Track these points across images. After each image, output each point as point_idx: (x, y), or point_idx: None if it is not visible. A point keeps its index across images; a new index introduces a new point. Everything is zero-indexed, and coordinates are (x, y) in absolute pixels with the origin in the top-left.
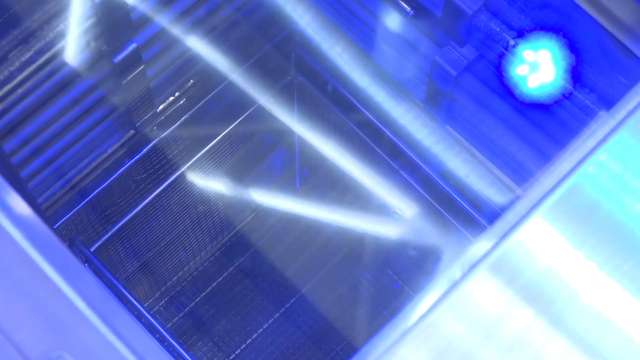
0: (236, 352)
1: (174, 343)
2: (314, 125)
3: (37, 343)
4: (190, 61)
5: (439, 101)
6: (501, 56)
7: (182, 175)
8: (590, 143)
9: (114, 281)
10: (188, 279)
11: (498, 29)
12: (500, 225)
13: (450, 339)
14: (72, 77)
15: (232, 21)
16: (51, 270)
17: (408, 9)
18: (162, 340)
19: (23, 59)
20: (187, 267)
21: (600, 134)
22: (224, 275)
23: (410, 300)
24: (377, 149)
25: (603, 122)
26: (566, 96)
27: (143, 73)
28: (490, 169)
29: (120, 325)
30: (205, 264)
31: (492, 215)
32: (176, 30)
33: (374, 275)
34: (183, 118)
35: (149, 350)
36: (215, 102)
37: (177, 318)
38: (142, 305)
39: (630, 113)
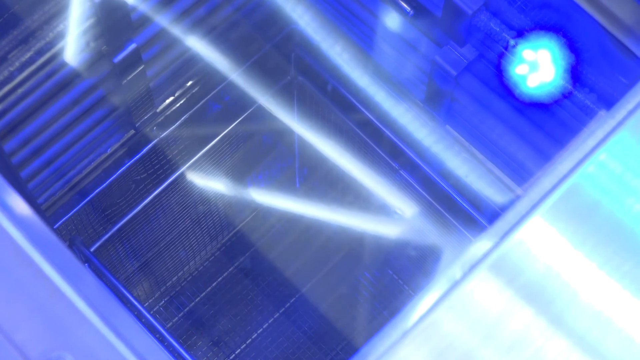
0: (236, 352)
1: (174, 343)
2: (314, 125)
3: (37, 343)
4: (190, 61)
5: (438, 101)
6: (501, 56)
7: (182, 175)
8: (591, 143)
9: (114, 281)
10: (188, 279)
11: (498, 29)
12: (500, 225)
13: (450, 339)
14: (72, 77)
15: (232, 21)
16: (51, 270)
17: (408, 8)
18: (162, 340)
19: (23, 59)
20: (187, 267)
21: (600, 134)
22: (224, 275)
23: (411, 300)
24: (377, 149)
25: (603, 122)
26: (566, 96)
27: (143, 73)
28: (490, 168)
29: (120, 325)
30: (205, 264)
31: (492, 215)
32: (176, 30)
33: (374, 275)
34: (183, 118)
35: (149, 350)
36: (215, 102)
37: (177, 318)
38: (142, 305)
39: (630, 113)
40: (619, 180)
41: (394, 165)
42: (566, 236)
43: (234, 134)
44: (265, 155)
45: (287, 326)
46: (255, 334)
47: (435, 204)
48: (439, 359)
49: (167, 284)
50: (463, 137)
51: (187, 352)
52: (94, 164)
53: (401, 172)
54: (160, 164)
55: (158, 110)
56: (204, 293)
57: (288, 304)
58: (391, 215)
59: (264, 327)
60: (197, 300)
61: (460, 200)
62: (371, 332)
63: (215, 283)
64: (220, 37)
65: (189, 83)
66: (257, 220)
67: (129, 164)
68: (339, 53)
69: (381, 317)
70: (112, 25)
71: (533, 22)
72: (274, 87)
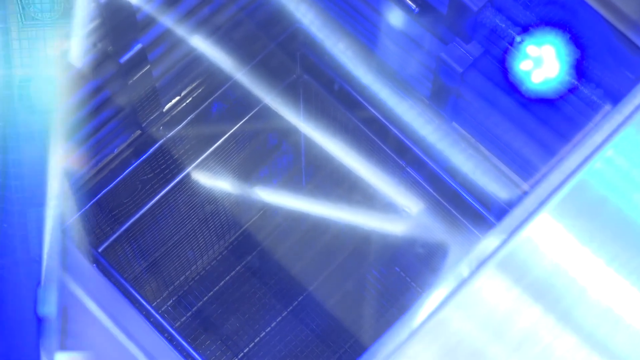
0: (244, 351)
1: (182, 342)
2: (320, 124)
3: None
4: (196, 61)
5: (444, 98)
6: (506, 52)
7: (189, 174)
8: (597, 139)
9: (122, 281)
10: (196, 278)
11: (503, 25)
12: (508, 222)
13: (459, 336)
14: (77, 78)
15: (236, 21)
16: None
17: (413, 6)
18: (170, 340)
19: None
20: (194, 266)
21: (607, 130)
22: (232, 274)
23: (419, 298)
24: (384, 147)
25: (610, 118)
26: (572, 91)
27: (149, 73)
28: (497, 164)
29: (129, 325)
30: (212, 263)
31: (499, 211)
32: (181, 30)
33: (381, 273)
34: (189, 118)
35: (158, 350)
36: (220, 102)
37: (185, 317)
38: (150, 305)
39: (637, 108)
40: (626, 176)
41: (400, 162)
42: (574, 233)
43: (239, 133)
44: (271, 154)
45: (295, 324)
46: (264, 333)
47: (442, 201)
48: (448, 357)
49: (175, 284)
50: (469, 134)
51: (195, 351)
52: (100, 165)
53: (408, 169)
54: (166, 164)
55: (164, 110)
56: (212, 292)
57: (296, 302)
58: (398, 212)
59: (272, 325)
60: (205, 299)
61: (467, 197)
62: (379, 329)
63: (222, 282)
64: (225, 36)
65: (195, 83)
66: (263, 219)
67: (135, 164)
68: (344, 51)
69: (389, 314)
70: (118, 26)
71: (538, 17)
72: (279, 86)
